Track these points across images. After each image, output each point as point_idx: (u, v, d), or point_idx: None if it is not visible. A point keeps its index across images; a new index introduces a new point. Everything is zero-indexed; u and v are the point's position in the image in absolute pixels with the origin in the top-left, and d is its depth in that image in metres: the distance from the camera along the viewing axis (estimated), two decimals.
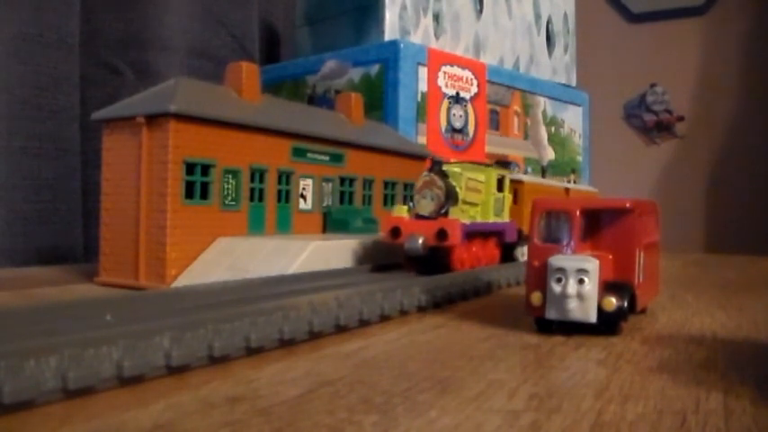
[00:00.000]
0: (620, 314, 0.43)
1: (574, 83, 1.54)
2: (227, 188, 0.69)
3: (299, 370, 0.35)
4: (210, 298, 0.48)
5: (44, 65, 0.96)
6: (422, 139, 1.03)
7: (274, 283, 0.55)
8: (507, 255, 0.81)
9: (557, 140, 1.35)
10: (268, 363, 0.36)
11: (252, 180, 0.72)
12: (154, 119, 0.64)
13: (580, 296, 0.42)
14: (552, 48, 1.47)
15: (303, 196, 0.79)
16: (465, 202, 0.70)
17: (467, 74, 1.11)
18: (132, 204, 0.66)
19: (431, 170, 0.68)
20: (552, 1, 1.47)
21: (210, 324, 0.35)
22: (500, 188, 0.77)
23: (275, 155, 0.75)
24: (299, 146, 0.78)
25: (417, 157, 0.96)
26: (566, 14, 1.52)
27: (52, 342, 0.29)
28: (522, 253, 0.88)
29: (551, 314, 0.44)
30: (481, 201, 0.74)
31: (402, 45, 1.01)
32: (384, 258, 0.70)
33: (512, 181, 0.83)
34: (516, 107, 1.24)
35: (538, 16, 1.42)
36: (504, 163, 1.19)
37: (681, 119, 2.16)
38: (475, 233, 0.71)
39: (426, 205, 0.66)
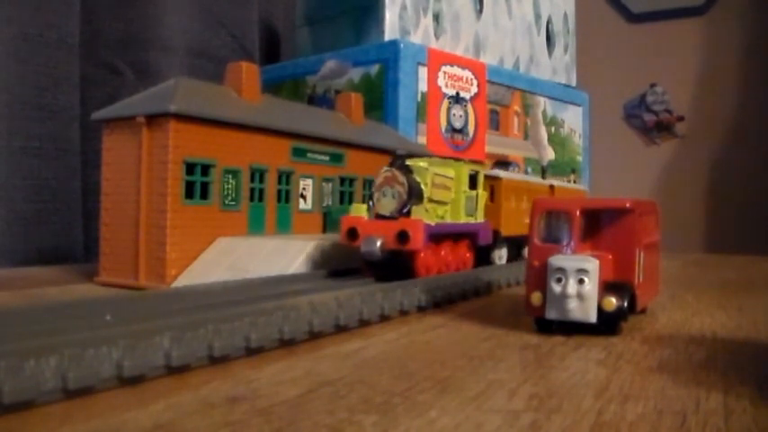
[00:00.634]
0: (620, 314, 0.43)
1: (574, 83, 1.54)
2: (227, 188, 0.69)
3: (299, 370, 0.35)
4: (210, 298, 0.48)
5: (44, 65, 0.96)
6: (422, 139, 1.03)
7: (274, 283, 0.55)
8: (483, 258, 0.75)
9: (557, 140, 1.35)
10: (268, 363, 0.36)
11: (252, 180, 0.72)
12: (154, 119, 0.64)
13: (580, 296, 0.42)
14: (552, 48, 1.47)
15: (303, 196, 0.79)
16: (432, 201, 0.64)
17: (467, 74, 1.11)
18: (132, 204, 0.66)
19: (392, 165, 0.61)
20: (552, 1, 1.47)
21: (210, 324, 0.35)
22: (473, 185, 0.71)
23: (275, 155, 0.75)
24: (299, 146, 0.78)
25: (417, 157, 0.96)
26: (566, 14, 1.51)
27: (52, 342, 0.29)
28: (500, 256, 0.82)
29: (551, 314, 0.44)
30: (451, 199, 0.68)
31: (402, 45, 1.01)
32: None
33: (487, 177, 0.77)
34: (516, 107, 1.24)
35: (538, 16, 1.42)
36: (504, 163, 1.19)
37: (681, 119, 2.16)
38: (443, 235, 0.64)
39: (387, 204, 0.60)
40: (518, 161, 1.24)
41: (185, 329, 0.34)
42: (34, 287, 0.66)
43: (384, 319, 0.49)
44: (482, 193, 0.73)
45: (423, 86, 1.04)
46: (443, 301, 0.56)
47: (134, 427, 0.26)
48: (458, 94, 1.09)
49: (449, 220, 0.67)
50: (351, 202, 0.85)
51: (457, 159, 0.71)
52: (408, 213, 0.60)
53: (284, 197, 0.76)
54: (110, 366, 0.30)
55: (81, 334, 0.32)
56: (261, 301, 0.46)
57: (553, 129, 1.34)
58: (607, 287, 0.43)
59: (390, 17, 1.09)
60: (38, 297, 0.60)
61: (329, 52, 1.11)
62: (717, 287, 0.78)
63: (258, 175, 0.73)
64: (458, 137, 1.10)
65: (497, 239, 0.77)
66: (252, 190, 0.72)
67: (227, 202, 0.69)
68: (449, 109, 1.08)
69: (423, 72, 1.03)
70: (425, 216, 0.61)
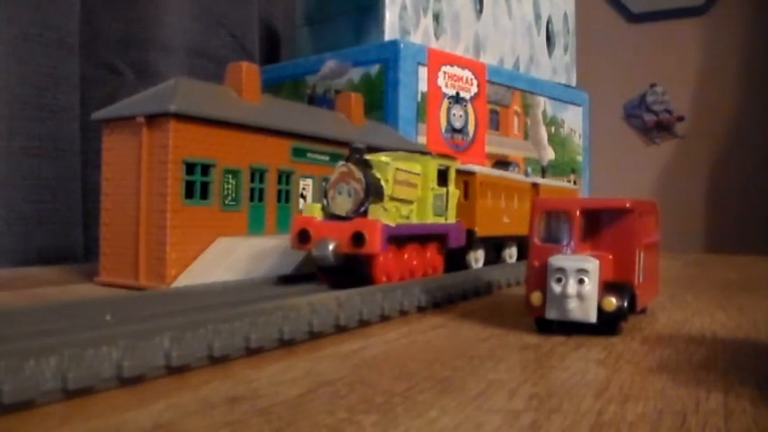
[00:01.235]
0: (620, 314, 0.43)
1: (574, 83, 1.54)
2: (227, 188, 0.69)
3: (299, 370, 0.35)
4: (210, 298, 0.48)
5: (44, 65, 0.96)
6: (422, 139, 1.03)
7: (271, 283, 0.55)
8: (456, 262, 0.69)
9: (557, 140, 1.35)
10: (268, 363, 0.36)
11: (252, 180, 0.72)
12: (154, 119, 0.64)
13: (580, 296, 0.42)
14: (552, 48, 1.47)
15: (303, 196, 0.79)
16: (394, 199, 0.58)
17: (467, 74, 1.11)
18: (132, 204, 0.66)
19: (348, 159, 0.55)
20: (552, 1, 1.47)
21: (210, 324, 0.35)
22: (443, 182, 0.65)
23: (275, 155, 0.75)
24: (299, 146, 0.78)
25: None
26: (566, 14, 1.51)
27: (52, 342, 0.29)
28: (476, 259, 0.76)
29: (551, 314, 0.44)
30: (416, 197, 0.62)
31: (402, 45, 1.01)
32: None
33: (460, 173, 0.71)
34: (516, 107, 1.24)
35: (538, 16, 1.42)
36: (504, 163, 1.19)
37: (681, 119, 2.16)
38: (406, 237, 0.58)
39: (342, 203, 0.55)
40: (518, 161, 1.24)
41: (185, 329, 0.34)
42: (34, 287, 0.66)
43: (384, 319, 0.49)
44: (453, 191, 0.67)
45: (423, 86, 1.04)
46: (443, 302, 0.56)
47: (134, 427, 0.26)
48: (458, 94, 1.09)
49: (414, 220, 0.62)
50: None
51: (424, 153, 0.64)
52: (365, 213, 0.54)
53: (284, 197, 0.76)
54: (110, 366, 0.30)
55: (81, 334, 0.32)
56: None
57: (553, 129, 1.34)
58: (607, 287, 0.43)
59: (390, 17, 1.09)
60: (38, 297, 0.60)
61: (329, 52, 1.11)
62: (717, 287, 0.78)
63: (258, 175, 0.73)
64: (458, 137, 1.10)
65: (472, 241, 0.71)
66: (252, 190, 0.72)
67: (227, 202, 0.69)
68: (449, 109, 1.08)
69: (423, 72, 1.03)
70: (385, 216, 0.55)
